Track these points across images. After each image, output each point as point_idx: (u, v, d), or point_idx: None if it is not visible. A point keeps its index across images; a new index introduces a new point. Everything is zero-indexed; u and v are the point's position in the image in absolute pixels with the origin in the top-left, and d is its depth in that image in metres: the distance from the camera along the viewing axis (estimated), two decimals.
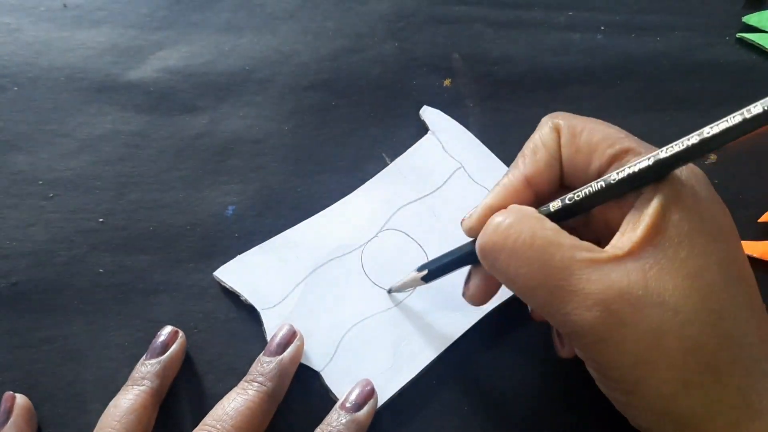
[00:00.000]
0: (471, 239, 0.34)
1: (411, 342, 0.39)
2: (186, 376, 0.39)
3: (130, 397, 0.35)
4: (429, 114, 0.45)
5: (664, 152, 0.28)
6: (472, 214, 0.33)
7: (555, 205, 0.31)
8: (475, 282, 0.35)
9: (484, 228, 0.30)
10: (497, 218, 0.30)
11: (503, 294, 0.40)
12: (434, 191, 0.43)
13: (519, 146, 0.45)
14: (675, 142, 0.28)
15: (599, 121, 0.32)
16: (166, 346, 0.37)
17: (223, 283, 0.40)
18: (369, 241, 0.41)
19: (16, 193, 0.43)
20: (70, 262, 0.41)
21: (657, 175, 0.28)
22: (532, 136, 0.33)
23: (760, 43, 0.48)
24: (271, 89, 0.47)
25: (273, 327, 0.39)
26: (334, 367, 0.38)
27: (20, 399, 0.37)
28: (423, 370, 0.38)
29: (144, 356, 0.37)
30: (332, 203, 0.43)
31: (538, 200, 0.32)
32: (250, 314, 0.40)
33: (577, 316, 0.27)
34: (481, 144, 0.44)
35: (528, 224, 0.29)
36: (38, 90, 0.47)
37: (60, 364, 0.39)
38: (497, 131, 0.46)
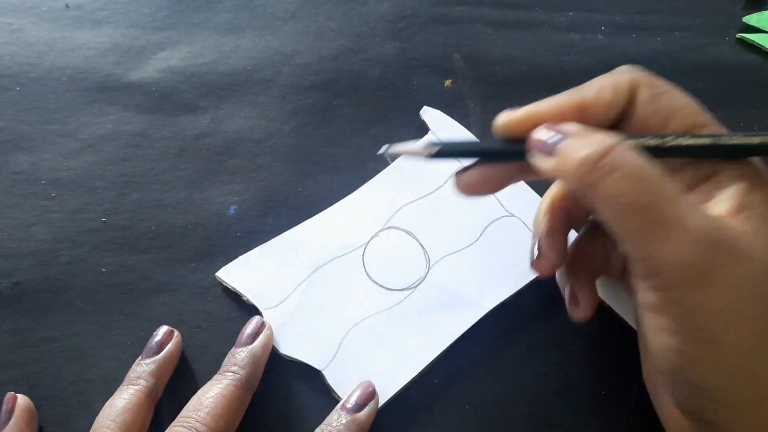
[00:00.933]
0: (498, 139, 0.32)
1: (412, 341, 0.39)
2: (188, 376, 0.39)
3: (125, 397, 0.35)
4: (429, 114, 0.46)
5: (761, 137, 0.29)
6: (515, 111, 0.31)
7: (651, 142, 0.29)
8: (476, 173, 0.33)
9: (585, 145, 0.28)
10: (602, 140, 0.28)
11: (504, 292, 0.40)
12: (435, 190, 0.43)
13: None
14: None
15: (676, 87, 0.31)
16: (161, 346, 0.37)
17: (224, 284, 0.40)
18: (370, 240, 0.42)
19: (18, 192, 0.43)
20: (72, 261, 0.41)
21: (749, 154, 0.29)
22: (603, 76, 0.32)
23: (760, 43, 0.49)
24: (273, 89, 0.47)
25: (275, 326, 0.39)
26: (336, 366, 0.38)
27: (21, 399, 0.37)
28: (424, 369, 0.38)
29: (140, 356, 0.37)
30: (333, 203, 0.43)
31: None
32: (252, 314, 0.40)
33: (678, 248, 0.26)
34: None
35: (637, 156, 0.27)
36: (40, 90, 0.47)
37: (62, 364, 0.39)
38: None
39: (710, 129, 0.30)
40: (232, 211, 0.43)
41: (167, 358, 0.37)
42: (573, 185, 0.28)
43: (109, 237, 0.42)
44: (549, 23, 0.50)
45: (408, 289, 0.40)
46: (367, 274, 0.41)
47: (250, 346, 0.37)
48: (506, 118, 0.31)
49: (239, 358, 0.36)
